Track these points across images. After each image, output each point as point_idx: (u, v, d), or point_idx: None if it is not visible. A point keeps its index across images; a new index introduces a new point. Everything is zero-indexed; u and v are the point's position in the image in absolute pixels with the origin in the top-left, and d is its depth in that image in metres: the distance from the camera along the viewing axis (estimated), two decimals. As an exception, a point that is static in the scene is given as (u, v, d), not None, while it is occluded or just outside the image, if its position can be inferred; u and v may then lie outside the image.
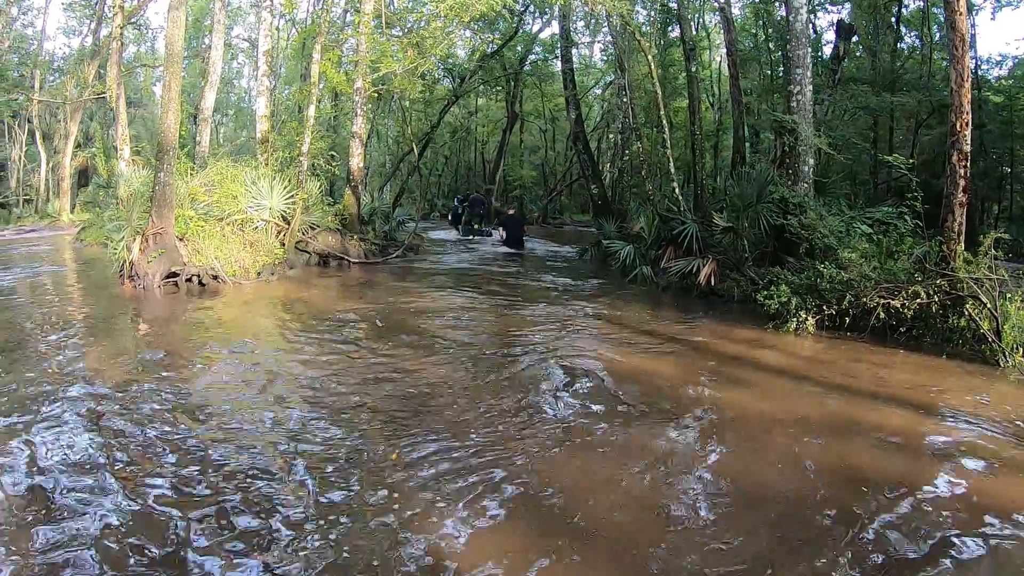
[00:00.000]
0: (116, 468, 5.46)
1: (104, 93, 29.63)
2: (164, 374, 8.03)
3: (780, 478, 5.77)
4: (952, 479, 5.88)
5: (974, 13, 24.56)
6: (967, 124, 11.29)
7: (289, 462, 5.70)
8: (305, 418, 6.69)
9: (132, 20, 31.05)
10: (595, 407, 7.48)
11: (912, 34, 29.99)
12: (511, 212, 28.71)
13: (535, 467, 5.77)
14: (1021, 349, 9.70)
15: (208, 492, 5.11)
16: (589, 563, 4.43)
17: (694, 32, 25.49)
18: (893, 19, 27.96)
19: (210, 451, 5.81)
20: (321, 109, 20.47)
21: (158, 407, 6.81)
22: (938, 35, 28.45)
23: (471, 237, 28.59)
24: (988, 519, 5.16)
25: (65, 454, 5.70)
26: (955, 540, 4.84)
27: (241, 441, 6.05)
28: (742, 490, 5.54)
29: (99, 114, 36.92)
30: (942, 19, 26.70)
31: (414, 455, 5.88)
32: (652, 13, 24.87)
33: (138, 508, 4.86)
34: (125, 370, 8.12)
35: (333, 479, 5.43)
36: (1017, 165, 30.33)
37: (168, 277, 13.75)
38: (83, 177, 37.76)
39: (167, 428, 6.29)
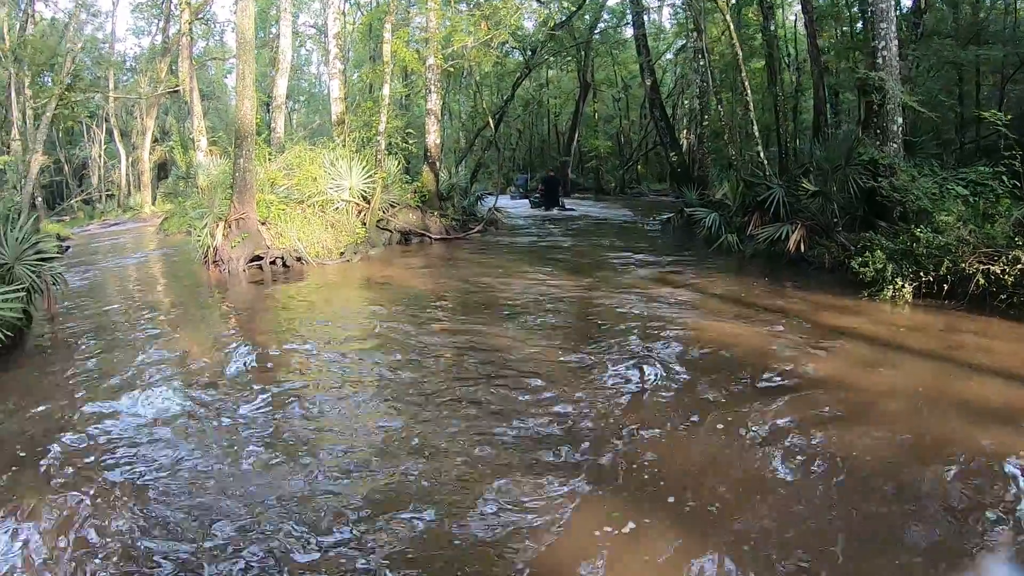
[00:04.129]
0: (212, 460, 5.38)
1: (178, 87, 30.20)
2: (257, 367, 7.89)
3: (887, 455, 5.43)
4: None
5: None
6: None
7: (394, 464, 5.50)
8: (406, 411, 6.47)
9: (199, 16, 31.53)
10: (691, 382, 7.22)
11: (994, -18, 28.67)
12: (550, 173, 31.36)
13: (635, 445, 5.58)
14: None
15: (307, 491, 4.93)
16: (694, 542, 4.28)
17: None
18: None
19: (311, 455, 5.66)
20: (393, 88, 20.32)
21: (254, 406, 6.62)
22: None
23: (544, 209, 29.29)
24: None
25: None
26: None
27: (347, 445, 5.83)
28: (847, 468, 5.25)
29: (174, 108, 37.69)
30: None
31: (511, 437, 5.72)
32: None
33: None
34: (218, 364, 7.99)
35: (440, 472, 5.26)
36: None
37: (252, 261, 13.89)
38: (162, 170, 38.69)
39: (273, 431, 6.13)
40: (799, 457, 5.38)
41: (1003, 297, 9.88)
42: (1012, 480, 5.05)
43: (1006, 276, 9.71)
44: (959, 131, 24.94)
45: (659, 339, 8.73)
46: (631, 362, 7.75)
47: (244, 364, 7.86)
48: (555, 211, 28.18)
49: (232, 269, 13.55)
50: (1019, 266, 9.65)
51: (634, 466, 5.20)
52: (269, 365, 7.88)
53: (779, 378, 7.26)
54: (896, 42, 14.53)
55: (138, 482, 5.04)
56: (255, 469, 5.21)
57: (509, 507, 4.59)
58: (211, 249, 13.97)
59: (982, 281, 9.96)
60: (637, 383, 7.07)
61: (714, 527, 4.39)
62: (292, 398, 6.71)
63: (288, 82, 25.99)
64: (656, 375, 7.32)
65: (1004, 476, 5.10)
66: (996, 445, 5.55)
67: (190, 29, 27.14)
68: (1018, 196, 11.24)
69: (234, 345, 8.72)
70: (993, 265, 9.87)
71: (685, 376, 7.33)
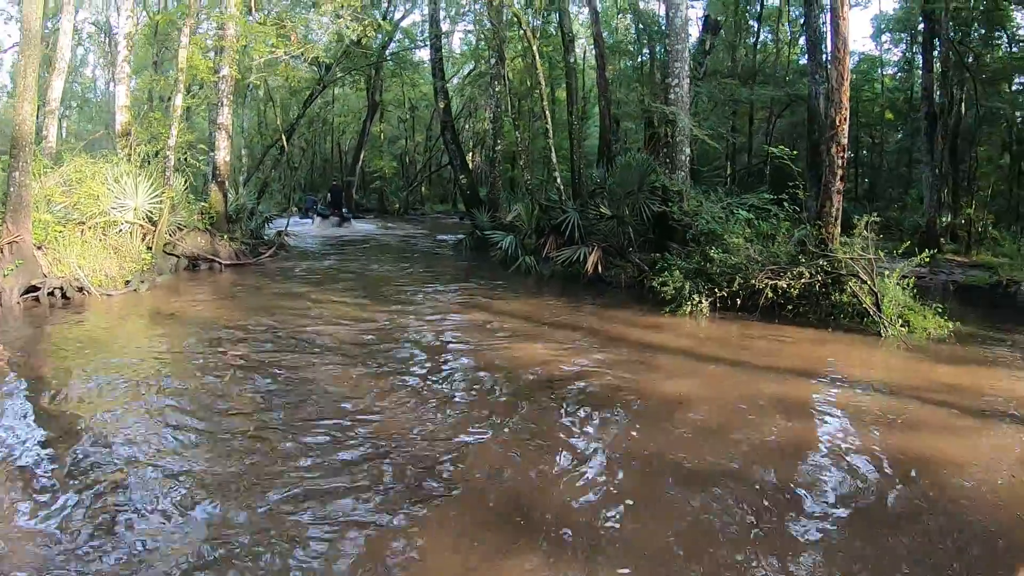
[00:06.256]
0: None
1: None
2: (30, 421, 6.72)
3: (691, 455, 5.99)
4: (850, 440, 6.47)
5: (824, 12, 25.42)
6: (846, 119, 12.22)
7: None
8: (218, 486, 5.50)
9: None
10: (496, 402, 7.49)
11: (766, 31, 31.99)
12: (334, 184, 34.20)
13: (442, 471, 5.68)
14: (899, 320, 10.73)
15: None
16: (509, 559, 4.40)
17: (559, 26, 25.52)
18: (752, 19, 29.50)
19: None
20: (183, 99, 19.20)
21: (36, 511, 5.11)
22: (790, 33, 31.23)
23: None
24: (897, 473, 5.74)
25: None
26: (863, 495, 5.38)
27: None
28: (654, 471, 5.71)
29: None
30: (794, 17, 29.67)
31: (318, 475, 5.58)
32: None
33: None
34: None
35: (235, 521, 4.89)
36: (860, 151, 32.77)
37: (28, 292, 12.42)
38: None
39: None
40: (612, 470, 5.75)
41: (790, 308, 11.71)
42: (800, 464, 5.94)
43: (791, 289, 11.49)
44: (731, 159, 27.59)
45: (464, 363, 9.13)
46: (441, 389, 7.97)
47: (15, 448, 6.02)
48: (332, 224, 30.72)
49: (5, 302, 11.95)
50: (803, 280, 11.42)
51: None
52: (48, 444, 6.16)
53: (587, 394, 7.75)
54: (688, 80, 15.72)
55: None
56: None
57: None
58: (-20, 279, 12.30)
59: (771, 294, 11.64)
60: (452, 409, 7.23)
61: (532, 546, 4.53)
62: (82, 489, 5.26)
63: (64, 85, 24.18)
64: (466, 399, 7.62)
65: (792, 462, 5.95)
66: (784, 433, 6.57)
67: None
68: (798, 219, 12.94)
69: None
70: (780, 280, 11.53)
71: (498, 398, 7.63)
